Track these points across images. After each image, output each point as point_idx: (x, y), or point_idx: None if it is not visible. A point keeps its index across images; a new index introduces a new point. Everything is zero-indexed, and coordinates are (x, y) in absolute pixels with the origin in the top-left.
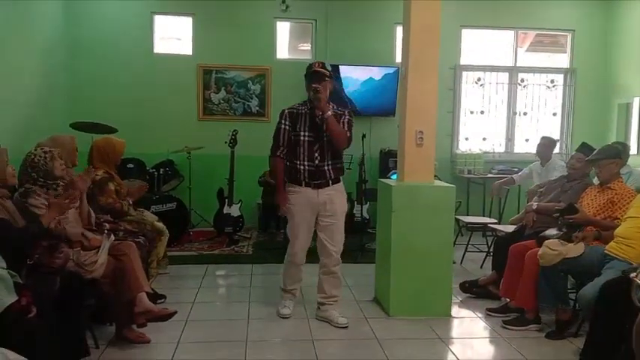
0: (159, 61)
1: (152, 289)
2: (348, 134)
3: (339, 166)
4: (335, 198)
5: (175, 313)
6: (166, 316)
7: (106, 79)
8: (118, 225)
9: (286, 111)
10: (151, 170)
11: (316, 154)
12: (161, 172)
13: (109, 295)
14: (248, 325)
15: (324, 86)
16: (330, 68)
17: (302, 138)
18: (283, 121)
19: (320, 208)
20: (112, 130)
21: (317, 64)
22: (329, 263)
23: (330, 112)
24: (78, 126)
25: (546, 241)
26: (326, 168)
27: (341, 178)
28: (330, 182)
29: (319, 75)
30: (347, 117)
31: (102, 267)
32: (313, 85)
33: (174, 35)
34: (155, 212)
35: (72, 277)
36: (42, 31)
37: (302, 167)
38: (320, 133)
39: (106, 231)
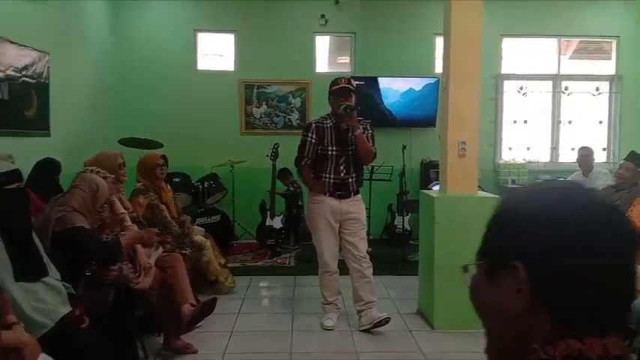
0: (202, 77)
1: (198, 300)
2: (374, 150)
3: (361, 178)
4: (357, 207)
5: (215, 299)
6: (209, 307)
7: (152, 95)
8: (165, 237)
9: (313, 125)
10: (196, 184)
11: (342, 167)
12: (205, 186)
13: (156, 306)
14: (292, 336)
15: (350, 101)
16: (355, 83)
17: (330, 153)
18: (310, 135)
19: (343, 217)
20: (157, 145)
21: (343, 80)
22: (360, 267)
23: (360, 129)
24: (124, 142)
25: None
26: (350, 180)
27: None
28: (352, 194)
29: (346, 91)
30: (370, 131)
31: (149, 278)
32: (346, 103)
33: (216, 52)
34: (200, 225)
35: (123, 288)
36: (92, 49)
37: (328, 180)
38: (345, 147)
39: (154, 244)
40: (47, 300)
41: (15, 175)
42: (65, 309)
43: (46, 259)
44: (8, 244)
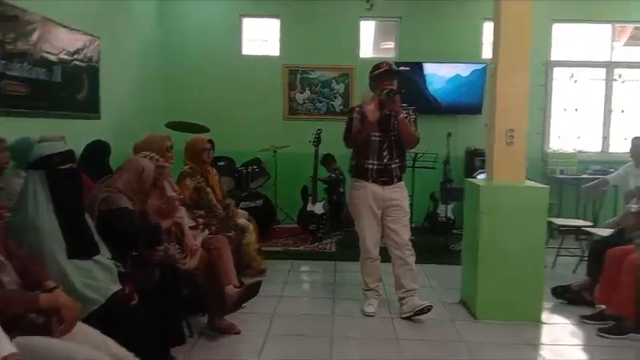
0: (247, 62)
1: (241, 282)
2: (418, 134)
3: (405, 164)
4: (399, 193)
5: (260, 282)
6: (253, 290)
7: (198, 80)
8: (210, 220)
9: (356, 108)
10: (239, 168)
11: (385, 153)
12: (249, 170)
13: (202, 287)
14: (333, 321)
15: (393, 86)
16: (400, 68)
17: (372, 138)
18: (355, 115)
19: (386, 203)
20: (203, 130)
21: (384, 64)
22: (402, 255)
23: (404, 114)
24: (171, 125)
25: None
26: (393, 166)
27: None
28: (395, 180)
29: (389, 74)
30: (413, 116)
31: (195, 259)
32: (389, 87)
33: (261, 37)
34: (244, 208)
35: (169, 268)
36: (140, 35)
37: (371, 166)
38: (388, 132)
39: (200, 226)
40: (99, 277)
41: (68, 155)
42: (116, 286)
43: (97, 238)
44: (62, 223)
